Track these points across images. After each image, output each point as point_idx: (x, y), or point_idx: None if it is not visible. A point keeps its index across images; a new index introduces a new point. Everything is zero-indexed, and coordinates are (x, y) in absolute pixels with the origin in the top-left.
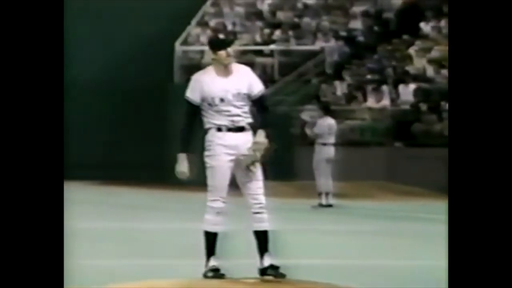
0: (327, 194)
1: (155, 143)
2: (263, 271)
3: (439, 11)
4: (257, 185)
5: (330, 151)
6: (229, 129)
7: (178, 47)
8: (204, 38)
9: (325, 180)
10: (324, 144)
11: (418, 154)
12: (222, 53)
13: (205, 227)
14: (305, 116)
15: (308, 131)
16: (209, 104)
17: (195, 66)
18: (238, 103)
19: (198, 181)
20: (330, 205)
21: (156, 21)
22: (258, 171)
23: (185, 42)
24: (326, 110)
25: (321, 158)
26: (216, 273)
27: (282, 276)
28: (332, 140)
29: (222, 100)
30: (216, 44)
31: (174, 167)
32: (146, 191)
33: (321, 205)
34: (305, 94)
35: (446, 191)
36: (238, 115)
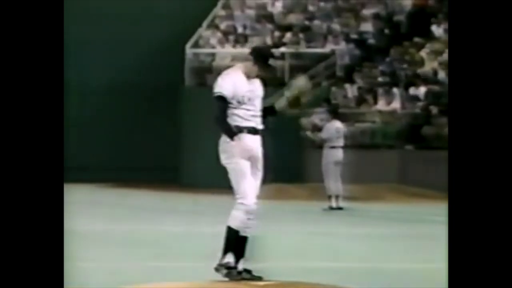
0: (337, 197)
1: (166, 145)
2: (239, 274)
3: None
4: (256, 192)
5: (339, 154)
6: (249, 132)
7: (189, 49)
8: (214, 41)
9: (334, 183)
10: (333, 147)
11: (428, 156)
12: (260, 68)
13: (232, 223)
14: (316, 119)
15: (315, 136)
16: (238, 102)
17: (206, 69)
18: (259, 105)
19: (205, 183)
20: (340, 208)
21: (167, 24)
22: (260, 178)
23: (195, 45)
24: (334, 113)
25: (329, 161)
26: (230, 271)
27: (259, 278)
28: (340, 143)
29: (249, 99)
30: (262, 60)
31: (184, 169)
32: (157, 193)
33: (331, 208)
34: (316, 97)
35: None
36: (259, 117)
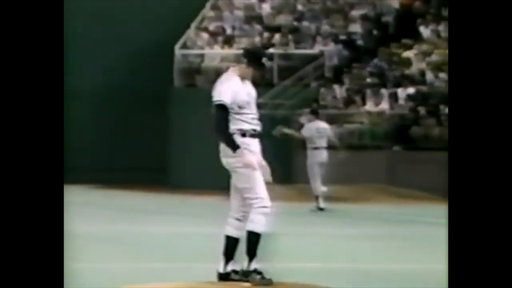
0: (317, 197)
1: (155, 146)
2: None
3: (438, 15)
4: None
5: (323, 155)
6: (251, 135)
7: (178, 50)
8: (203, 42)
9: (319, 183)
10: (316, 148)
11: (416, 157)
12: (254, 70)
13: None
14: (304, 119)
15: (297, 134)
16: (239, 107)
17: (195, 70)
18: (255, 107)
19: (194, 184)
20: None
21: (156, 25)
22: None
23: (184, 46)
24: (315, 114)
25: (313, 162)
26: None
27: (247, 279)
28: (324, 143)
29: (247, 103)
30: (255, 61)
31: (173, 170)
32: (146, 194)
33: (319, 209)
34: (305, 98)
35: (445, 195)
36: (257, 119)
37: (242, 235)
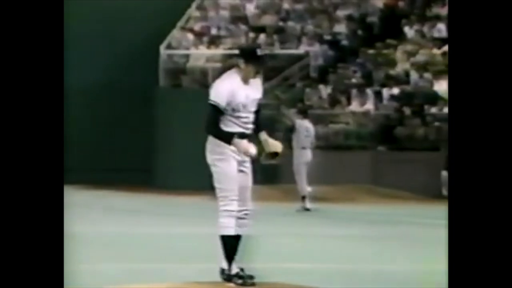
0: (303, 197)
1: (141, 146)
2: (229, 277)
3: (423, 15)
4: (248, 192)
5: (309, 155)
6: (239, 136)
7: (163, 50)
8: (188, 42)
9: (305, 183)
10: (304, 148)
11: (401, 158)
12: (254, 66)
13: (224, 231)
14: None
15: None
16: (233, 109)
17: (180, 70)
18: (253, 109)
19: (179, 185)
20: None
21: (141, 25)
22: (251, 178)
23: (169, 46)
24: (304, 113)
25: (300, 162)
26: (244, 280)
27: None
28: (309, 144)
29: (244, 106)
30: (251, 57)
31: (158, 170)
32: (131, 195)
33: (305, 209)
34: (290, 98)
35: (429, 195)
36: (251, 122)
37: (243, 232)
